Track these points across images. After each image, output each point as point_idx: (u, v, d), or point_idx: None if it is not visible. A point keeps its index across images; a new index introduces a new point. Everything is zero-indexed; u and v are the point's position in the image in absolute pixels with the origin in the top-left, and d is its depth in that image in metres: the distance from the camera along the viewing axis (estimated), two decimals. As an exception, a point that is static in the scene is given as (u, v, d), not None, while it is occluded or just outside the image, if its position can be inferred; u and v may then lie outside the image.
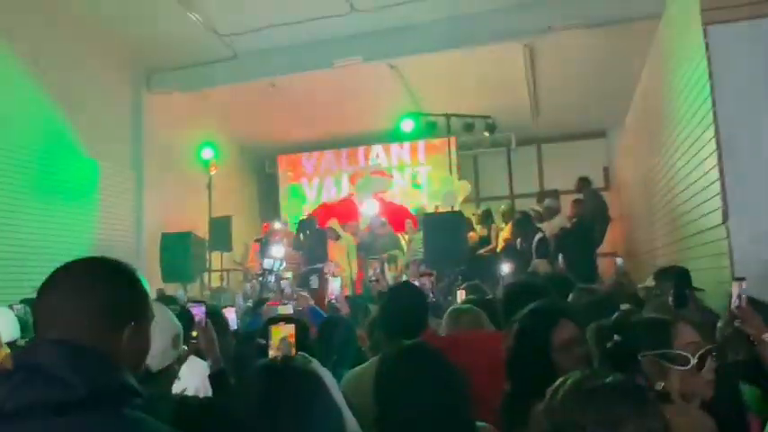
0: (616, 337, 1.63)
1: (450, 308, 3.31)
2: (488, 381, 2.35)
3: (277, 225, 9.81)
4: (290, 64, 8.23)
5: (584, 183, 8.73)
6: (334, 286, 4.30)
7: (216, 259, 9.64)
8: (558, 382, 1.17)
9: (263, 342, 2.09)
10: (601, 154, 11.25)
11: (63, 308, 1.18)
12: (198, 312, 2.43)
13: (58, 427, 1.08)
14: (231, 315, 3.56)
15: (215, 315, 3.44)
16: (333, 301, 4.21)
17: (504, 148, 11.45)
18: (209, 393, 2.22)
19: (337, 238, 9.12)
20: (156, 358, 1.87)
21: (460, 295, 4.17)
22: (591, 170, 9.64)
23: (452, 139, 9.48)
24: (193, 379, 2.45)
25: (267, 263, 7.31)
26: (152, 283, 8.25)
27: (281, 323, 1.91)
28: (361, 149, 11.67)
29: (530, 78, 8.90)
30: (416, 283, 3.51)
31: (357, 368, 2.46)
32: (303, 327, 2.47)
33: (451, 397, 1.77)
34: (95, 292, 1.21)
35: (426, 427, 1.66)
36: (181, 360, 2.07)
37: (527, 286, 2.95)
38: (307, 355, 1.69)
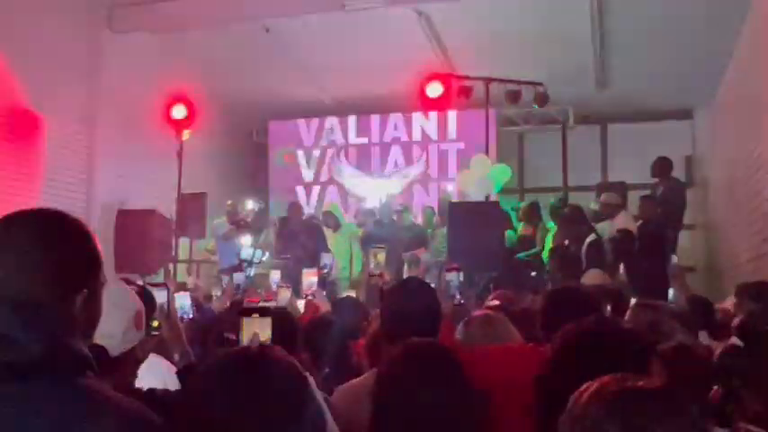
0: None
1: (472, 314, 3.44)
2: (509, 400, 2.51)
3: (249, 205, 9.99)
4: (290, 2, 8.35)
5: (664, 166, 8.66)
6: (310, 280, 4.42)
7: (185, 247, 9.82)
8: (583, 387, 1.28)
9: (232, 338, 2.18)
10: (683, 139, 11.25)
11: (6, 268, 1.30)
12: (160, 296, 2.54)
13: (8, 393, 1.21)
14: (184, 301, 3.71)
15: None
16: (309, 297, 4.33)
17: (558, 127, 11.46)
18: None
19: (337, 226, 9.28)
20: (115, 340, 2.00)
21: (488, 301, 4.31)
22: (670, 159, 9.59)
23: (492, 112, 9.51)
24: (152, 379, 2.53)
25: (245, 252, 7.48)
26: (105, 270, 8.44)
27: (254, 315, 1.96)
28: (374, 118, 11.80)
29: (596, 37, 8.95)
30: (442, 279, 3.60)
31: (353, 381, 2.57)
32: (287, 321, 2.59)
33: (464, 414, 1.89)
34: (45, 252, 1.32)
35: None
36: (144, 349, 2.19)
37: (571, 293, 3.03)
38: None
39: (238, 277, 5.75)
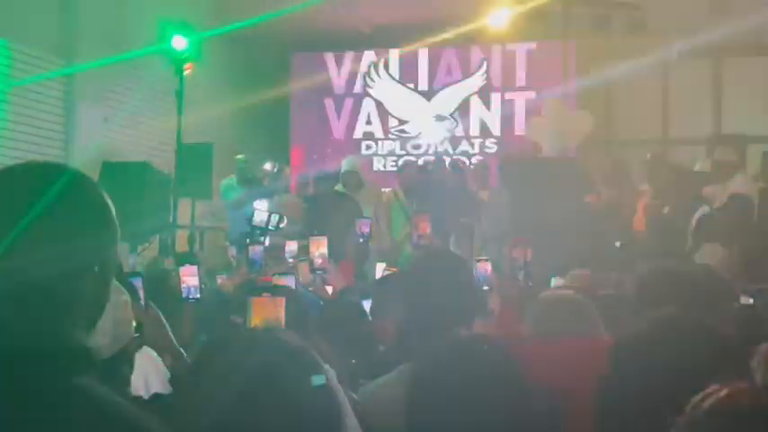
0: None
1: (541, 295, 3.32)
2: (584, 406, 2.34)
3: (267, 166, 9.94)
4: None
5: None
6: (320, 252, 4.37)
7: (185, 209, 9.80)
8: (700, 396, 1.34)
9: (239, 321, 2.29)
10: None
11: None
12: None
13: None
14: (191, 280, 3.68)
15: (158, 282, 3.52)
16: (320, 272, 4.27)
17: (658, 62, 11.01)
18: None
19: (359, 185, 9.09)
20: (106, 337, 1.99)
21: (556, 283, 4.19)
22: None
23: (571, 45, 9.27)
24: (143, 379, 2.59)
25: (258, 216, 7.36)
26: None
27: (265, 295, 2.15)
28: (422, 54, 11.69)
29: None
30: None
31: (378, 380, 2.58)
32: (299, 302, 2.67)
33: (520, 422, 1.88)
34: (48, 217, 1.28)
35: None
36: (132, 347, 2.22)
37: (675, 275, 2.99)
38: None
39: (255, 252, 5.66)
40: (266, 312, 2.03)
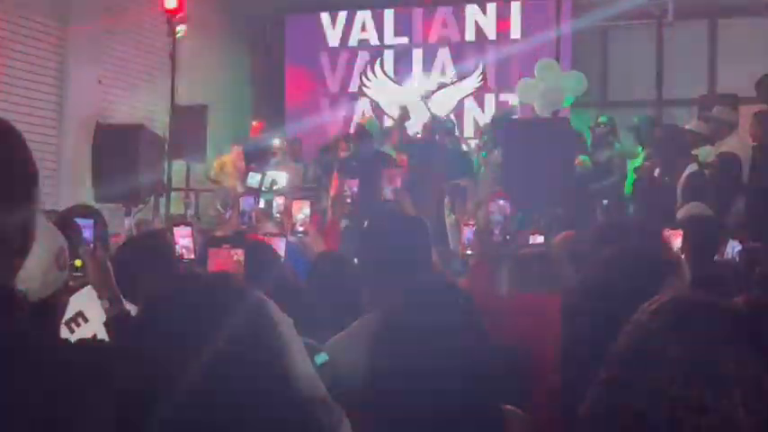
0: None
1: (517, 251, 3.34)
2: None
3: (276, 142, 9.95)
4: None
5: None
6: (303, 212, 4.40)
7: (179, 172, 9.86)
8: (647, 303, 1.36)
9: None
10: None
11: None
12: (86, 230, 2.58)
13: None
14: (184, 241, 3.69)
15: (153, 238, 3.56)
16: (301, 235, 4.29)
17: (652, 22, 11.07)
18: None
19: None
20: (35, 282, 1.99)
21: (534, 241, 4.23)
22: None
23: (567, 2, 9.21)
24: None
25: (252, 178, 7.45)
26: (81, 200, 8.51)
27: (224, 246, 2.11)
28: (417, 12, 11.65)
29: None
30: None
31: (350, 327, 2.59)
32: (262, 252, 2.61)
33: (477, 369, 1.88)
34: None
35: (429, 402, 1.79)
36: (66, 292, 2.24)
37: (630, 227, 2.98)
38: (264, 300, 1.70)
39: (247, 202, 5.67)
40: (225, 264, 1.99)
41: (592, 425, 1.33)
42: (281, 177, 8.39)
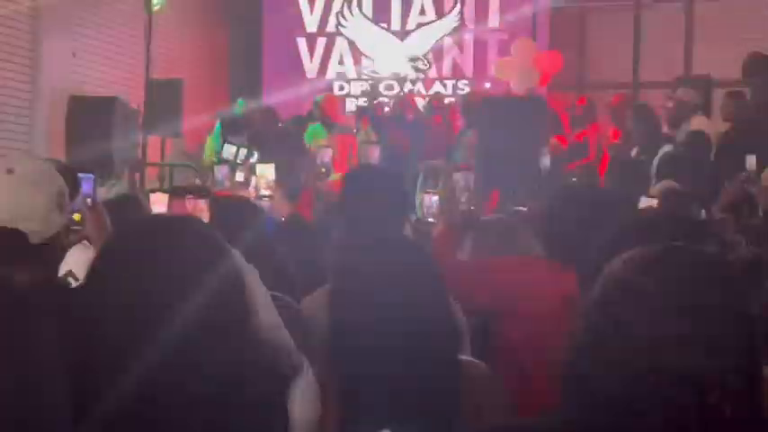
0: None
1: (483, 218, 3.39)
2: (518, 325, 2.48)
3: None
4: None
5: (756, 63, 8.33)
6: (267, 177, 4.42)
7: (155, 147, 9.80)
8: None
9: None
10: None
11: None
12: (86, 185, 2.61)
13: None
14: (160, 208, 3.69)
15: (128, 200, 3.57)
16: (266, 200, 4.34)
17: (629, 3, 11.18)
18: None
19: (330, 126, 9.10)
20: (35, 222, 2.04)
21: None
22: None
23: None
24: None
25: (227, 150, 7.43)
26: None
27: (188, 197, 2.05)
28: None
29: None
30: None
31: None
32: (230, 207, 2.62)
33: (435, 321, 1.93)
34: None
35: (389, 358, 1.83)
36: (69, 241, 2.30)
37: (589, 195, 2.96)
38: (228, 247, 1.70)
39: (221, 170, 5.69)
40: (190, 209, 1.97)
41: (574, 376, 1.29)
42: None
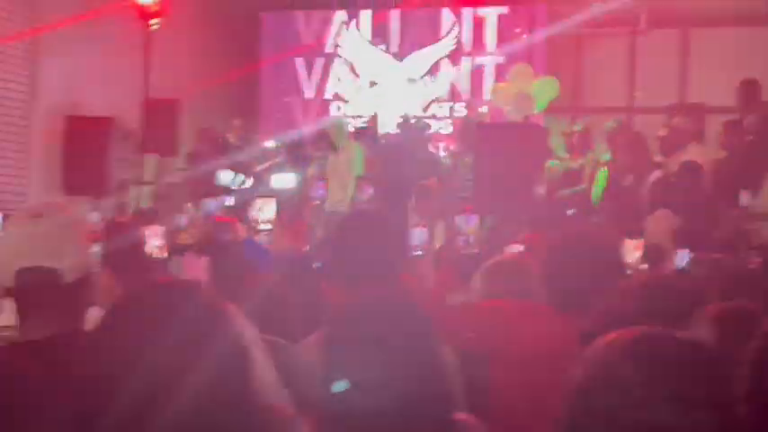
0: None
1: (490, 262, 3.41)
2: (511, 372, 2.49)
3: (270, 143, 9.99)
4: None
5: (751, 89, 8.37)
6: (269, 209, 4.44)
7: (151, 166, 9.83)
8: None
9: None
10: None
11: None
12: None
13: None
14: (155, 240, 3.72)
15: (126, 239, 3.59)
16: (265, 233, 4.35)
17: (625, 30, 11.20)
18: None
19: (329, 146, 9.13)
20: (70, 259, 2.01)
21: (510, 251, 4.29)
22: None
23: (542, 9, 9.30)
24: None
25: (225, 177, 7.49)
26: (50, 193, 8.50)
27: (187, 254, 2.00)
28: (394, 15, 11.70)
29: None
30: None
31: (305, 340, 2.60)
32: (228, 256, 2.57)
33: (429, 378, 1.87)
34: None
35: (377, 412, 1.79)
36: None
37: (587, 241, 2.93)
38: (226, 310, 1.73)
39: (210, 204, 5.69)
40: (191, 270, 1.98)
41: None
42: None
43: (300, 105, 12.09)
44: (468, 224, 3.34)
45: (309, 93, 12.11)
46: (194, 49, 11.50)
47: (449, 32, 11.52)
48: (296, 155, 9.13)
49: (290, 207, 5.73)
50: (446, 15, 11.55)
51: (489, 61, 11.27)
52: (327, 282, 3.34)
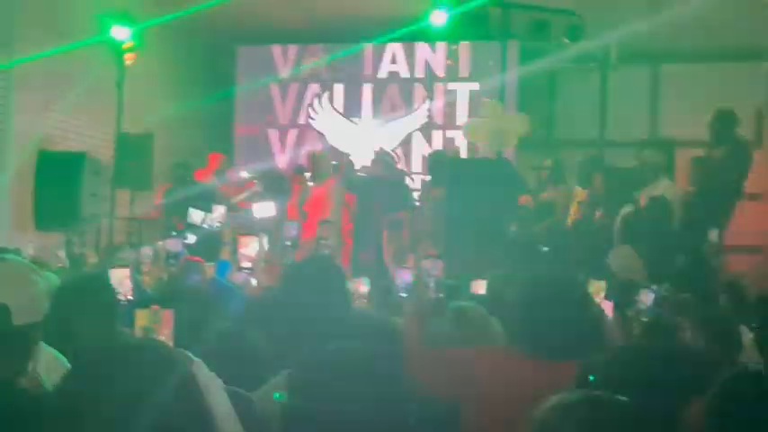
0: None
1: (453, 305, 3.44)
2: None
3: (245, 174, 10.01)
4: None
5: (724, 121, 8.45)
6: (250, 248, 4.45)
7: (124, 201, 9.81)
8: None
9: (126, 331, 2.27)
10: (755, 88, 11.05)
11: None
12: None
13: None
14: (125, 281, 3.70)
15: (95, 282, 3.59)
16: (247, 272, 4.35)
17: (596, 66, 11.35)
18: None
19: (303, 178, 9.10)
20: (23, 307, 2.05)
21: (476, 288, 4.27)
22: (737, 112, 9.40)
23: (513, 45, 9.38)
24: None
25: (195, 215, 7.44)
26: (21, 227, 8.46)
27: (153, 307, 2.14)
28: (370, 49, 11.80)
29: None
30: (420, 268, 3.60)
31: (265, 385, 2.61)
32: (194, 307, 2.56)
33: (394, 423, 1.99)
34: None
35: None
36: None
37: (558, 286, 2.96)
38: (190, 356, 1.76)
39: (174, 244, 5.57)
40: (152, 323, 2.02)
41: None
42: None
43: (277, 136, 12.15)
44: (434, 270, 3.33)
45: (284, 121, 12.18)
46: (169, 83, 11.54)
47: (420, 105, 11.67)
48: (273, 186, 9.17)
49: (272, 245, 5.74)
50: (418, 89, 11.73)
51: (462, 96, 11.40)
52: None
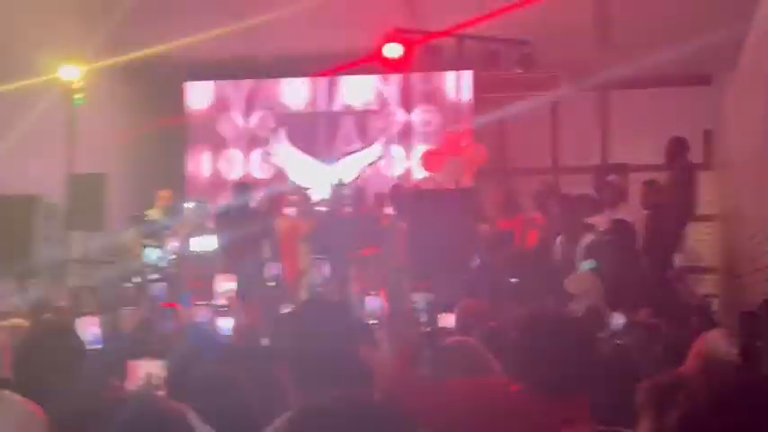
0: None
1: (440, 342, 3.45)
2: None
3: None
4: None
5: (679, 147, 8.70)
6: (226, 287, 4.44)
7: (78, 242, 9.69)
8: None
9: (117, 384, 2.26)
10: (701, 110, 11.36)
11: None
12: None
13: None
14: (92, 329, 3.65)
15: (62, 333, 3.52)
16: (224, 309, 4.34)
17: (547, 94, 11.51)
18: None
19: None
20: None
21: (444, 320, 4.32)
22: (685, 134, 9.65)
23: (466, 75, 9.50)
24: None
25: (149, 254, 7.39)
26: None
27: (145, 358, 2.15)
28: (322, 82, 11.83)
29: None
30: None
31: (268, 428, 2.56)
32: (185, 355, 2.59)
33: None
34: None
35: None
36: None
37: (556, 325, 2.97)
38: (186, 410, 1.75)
39: (157, 288, 5.58)
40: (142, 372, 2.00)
41: None
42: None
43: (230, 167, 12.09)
44: (427, 301, 3.34)
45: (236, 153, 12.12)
46: (121, 123, 11.44)
47: (376, 139, 11.75)
48: (225, 221, 9.09)
49: (249, 285, 5.68)
50: (372, 121, 11.78)
51: (419, 126, 11.51)
52: (279, 366, 3.35)
